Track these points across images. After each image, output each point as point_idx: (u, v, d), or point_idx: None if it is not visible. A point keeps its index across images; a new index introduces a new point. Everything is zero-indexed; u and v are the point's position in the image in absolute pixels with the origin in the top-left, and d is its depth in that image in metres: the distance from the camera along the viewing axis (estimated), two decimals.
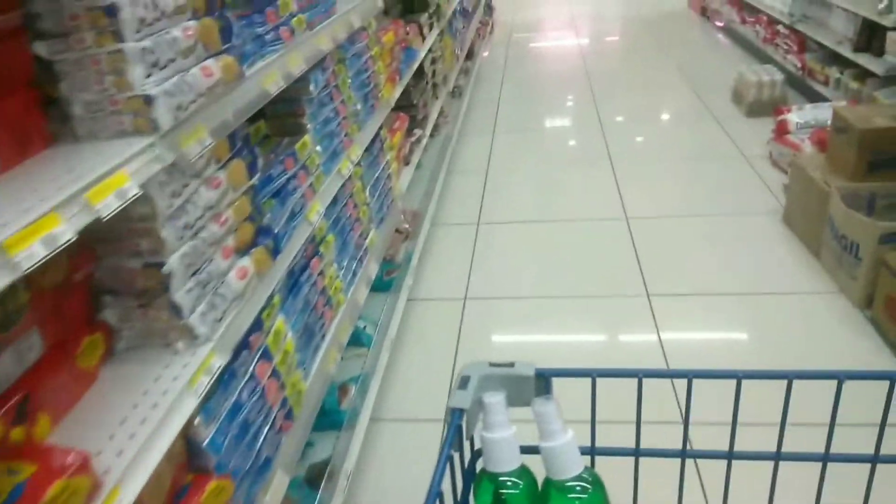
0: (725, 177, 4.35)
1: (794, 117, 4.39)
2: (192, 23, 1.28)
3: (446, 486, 0.75)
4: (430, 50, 4.12)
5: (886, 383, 0.77)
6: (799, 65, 5.53)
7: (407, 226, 3.38)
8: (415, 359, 2.87)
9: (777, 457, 0.83)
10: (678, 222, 3.80)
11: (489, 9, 9.11)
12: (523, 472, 0.75)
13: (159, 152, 1.14)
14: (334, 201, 2.18)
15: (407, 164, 3.59)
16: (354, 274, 2.36)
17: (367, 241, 2.54)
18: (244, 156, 1.50)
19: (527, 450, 0.77)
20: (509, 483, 0.74)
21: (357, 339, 2.54)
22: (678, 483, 0.88)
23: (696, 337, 2.90)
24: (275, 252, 1.62)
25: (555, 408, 0.73)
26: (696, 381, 0.81)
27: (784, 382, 0.79)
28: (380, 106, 2.79)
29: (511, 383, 0.81)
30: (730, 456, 0.84)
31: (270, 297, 1.61)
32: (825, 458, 0.83)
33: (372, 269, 2.56)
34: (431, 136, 4.51)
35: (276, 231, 1.66)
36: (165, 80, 1.17)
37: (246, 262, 1.49)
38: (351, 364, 2.49)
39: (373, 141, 2.70)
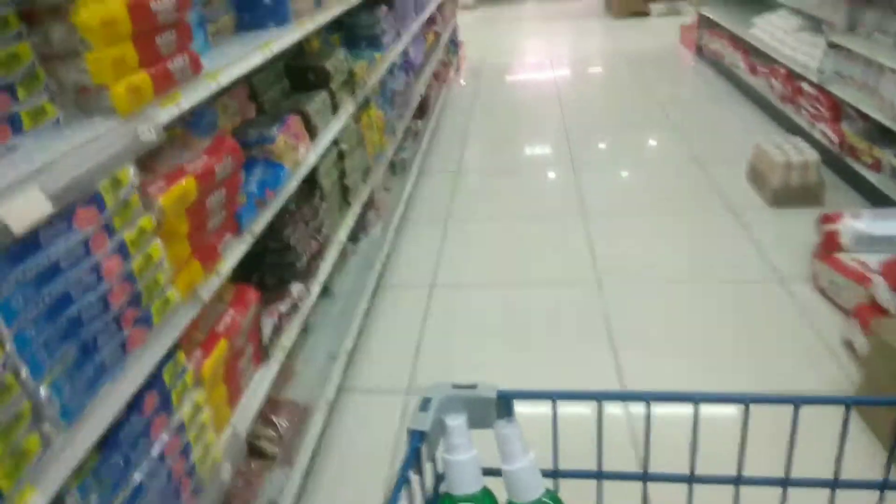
0: (755, 314, 2.94)
1: (848, 228, 3.02)
2: None
3: None
4: (335, 142, 2.83)
5: (842, 408, 0.78)
6: (834, 138, 4.13)
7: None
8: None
9: (737, 481, 0.84)
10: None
11: (454, 45, 7.93)
12: (485, 494, 0.75)
13: None
14: None
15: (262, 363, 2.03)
16: None
17: None
18: None
19: (489, 472, 0.77)
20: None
21: None
22: None
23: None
24: None
25: (516, 430, 0.74)
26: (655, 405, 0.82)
27: (741, 407, 0.80)
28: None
29: (473, 405, 0.81)
30: (691, 480, 0.85)
31: None
32: (784, 482, 0.84)
33: None
34: (354, 240, 3.42)
35: None
36: None
37: None
38: None
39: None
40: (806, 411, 0.77)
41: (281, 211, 2.21)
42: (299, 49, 2.92)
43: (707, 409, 0.80)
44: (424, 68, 5.43)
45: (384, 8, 3.85)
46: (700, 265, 3.42)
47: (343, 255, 3.20)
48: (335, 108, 2.80)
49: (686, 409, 0.80)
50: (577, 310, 3.15)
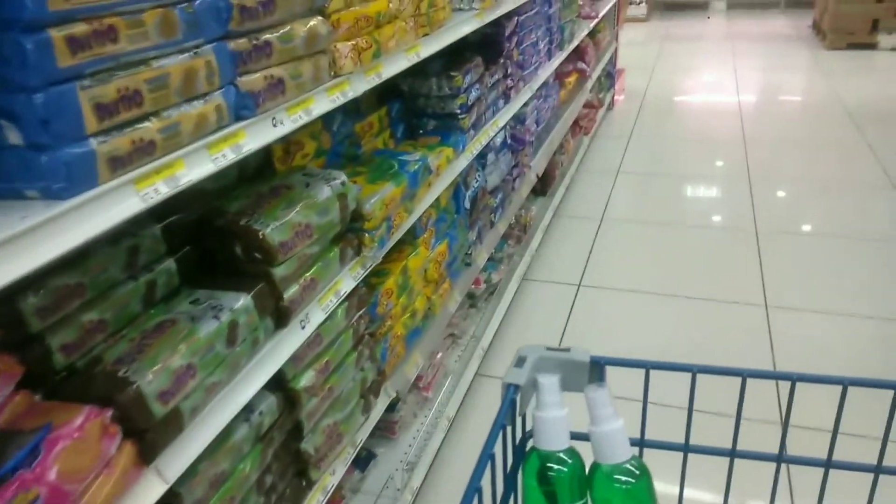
0: None
1: None
2: None
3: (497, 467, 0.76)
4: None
5: None
6: None
7: None
8: None
9: (827, 465, 0.83)
10: None
11: (609, 78, 6.13)
12: (572, 453, 0.77)
13: None
14: None
15: None
16: None
17: None
18: None
19: (577, 436, 0.79)
20: (557, 461, 0.76)
21: None
22: (725, 483, 0.88)
23: None
24: None
25: (606, 394, 0.76)
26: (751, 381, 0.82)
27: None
28: None
29: (566, 368, 0.83)
30: (779, 459, 0.85)
31: None
32: (877, 469, 0.82)
33: None
34: None
35: None
36: None
37: None
38: None
39: None
40: None
41: None
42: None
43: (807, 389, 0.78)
44: (551, 131, 4.03)
45: (477, 61, 2.55)
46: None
47: None
48: (278, 321, 1.41)
49: (783, 388, 0.79)
50: None
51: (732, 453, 0.86)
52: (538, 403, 0.78)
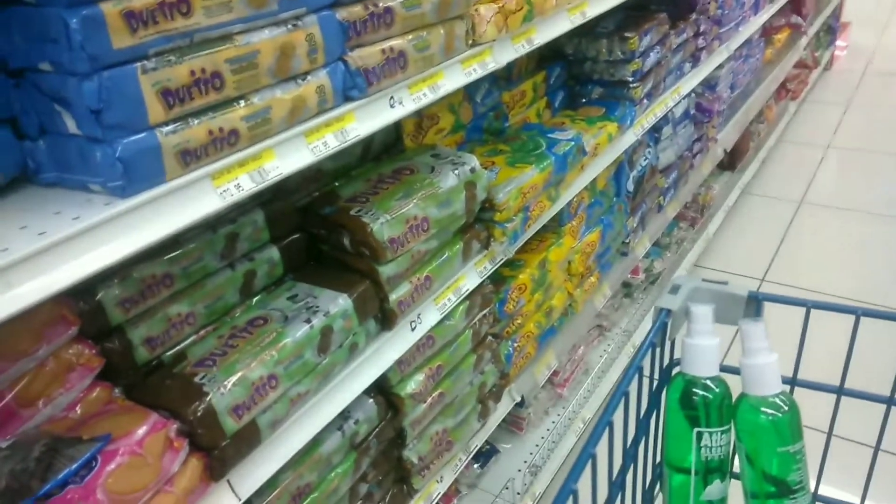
0: None
1: None
2: None
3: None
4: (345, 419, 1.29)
5: None
6: None
7: None
8: None
9: None
10: None
11: (830, 33, 5.24)
12: (719, 381, 0.80)
13: None
14: None
15: None
16: None
17: None
18: None
19: (725, 369, 0.82)
20: (703, 387, 0.79)
21: None
22: (878, 430, 0.84)
23: None
24: None
25: (762, 328, 0.77)
26: None
27: None
28: None
29: (722, 300, 0.84)
30: None
31: None
32: None
33: None
34: None
35: None
36: None
37: None
38: None
39: None
40: None
41: None
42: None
43: None
44: (749, 97, 3.48)
45: (660, 18, 2.16)
46: None
47: None
48: (383, 323, 1.29)
49: None
50: None
51: (890, 401, 0.84)
52: (689, 330, 0.80)
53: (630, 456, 0.81)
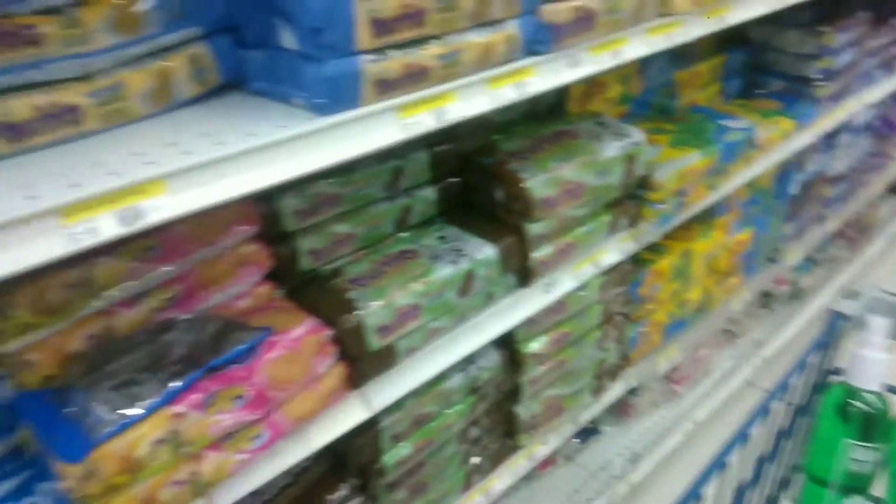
0: None
1: None
2: None
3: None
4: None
5: None
6: None
7: None
8: None
9: None
10: None
11: None
12: (882, 397, 0.78)
13: None
14: None
15: None
16: None
17: None
18: None
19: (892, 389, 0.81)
20: (864, 400, 0.77)
21: None
22: None
23: None
24: None
25: None
26: None
27: None
28: None
29: None
30: None
31: None
32: None
33: None
34: None
35: None
36: None
37: None
38: None
39: None
40: None
41: None
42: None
43: None
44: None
45: (862, 17, 2.04)
46: None
47: None
48: (521, 279, 1.30)
49: None
50: None
51: None
52: (862, 341, 0.78)
53: (763, 466, 0.80)
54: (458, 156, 1.33)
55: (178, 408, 0.88)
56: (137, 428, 0.85)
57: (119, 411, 0.84)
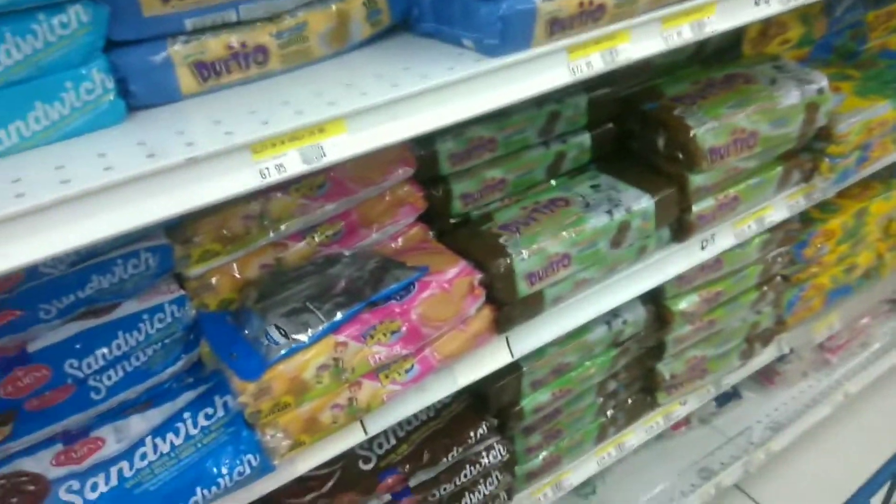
0: None
1: None
2: None
3: None
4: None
5: None
6: None
7: None
8: None
9: None
10: None
11: None
12: None
13: None
14: None
15: None
16: None
17: None
18: None
19: None
20: None
21: None
22: None
23: None
24: None
25: None
26: None
27: None
28: None
29: None
30: None
31: None
32: None
33: None
34: None
35: None
36: None
37: None
38: None
39: None
40: None
41: None
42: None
43: None
44: None
45: None
46: None
47: None
48: (677, 234, 1.25)
49: None
50: None
51: None
52: None
53: None
54: (616, 100, 1.26)
55: (341, 337, 0.93)
56: (305, 353, 0.91)
57: (292, 336, 0.90)
